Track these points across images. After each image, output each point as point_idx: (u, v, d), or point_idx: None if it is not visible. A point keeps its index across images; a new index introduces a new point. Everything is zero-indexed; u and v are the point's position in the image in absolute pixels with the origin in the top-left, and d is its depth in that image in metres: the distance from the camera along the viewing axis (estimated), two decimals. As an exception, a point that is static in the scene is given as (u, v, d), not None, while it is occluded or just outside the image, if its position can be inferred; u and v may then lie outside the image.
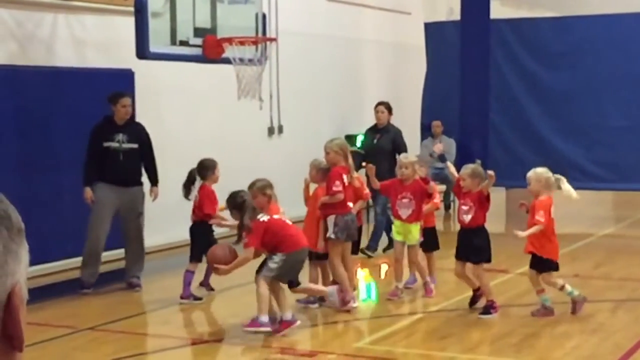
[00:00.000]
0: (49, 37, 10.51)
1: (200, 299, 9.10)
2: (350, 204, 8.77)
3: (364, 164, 9.51)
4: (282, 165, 13.25)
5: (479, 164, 8.86)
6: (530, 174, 8.36)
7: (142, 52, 9.11)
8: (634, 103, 14.45)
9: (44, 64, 10.39)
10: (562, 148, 14.79)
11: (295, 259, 7.79)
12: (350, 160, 8.85)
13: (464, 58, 14.90)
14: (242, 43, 9.76)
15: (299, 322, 7.84)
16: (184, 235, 9.81)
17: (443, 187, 14.12)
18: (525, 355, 7.22)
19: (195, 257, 8.97)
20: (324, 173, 8.78)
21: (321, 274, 8.98)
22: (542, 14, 16.93)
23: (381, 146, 11.62)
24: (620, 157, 14.43)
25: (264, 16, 10.52)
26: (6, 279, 1.21)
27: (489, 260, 8.51)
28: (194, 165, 9.29)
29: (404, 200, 9.01)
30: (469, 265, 8.48)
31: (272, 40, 10.54)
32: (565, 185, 8.38)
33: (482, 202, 8.37)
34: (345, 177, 8.66)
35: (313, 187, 9.00)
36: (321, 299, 8.72)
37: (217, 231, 9.29)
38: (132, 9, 9.19)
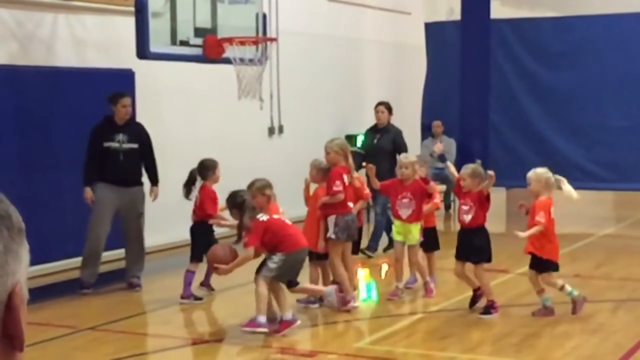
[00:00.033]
0: (50, 37, 10.52)
1: (200, 299, 9.10)
2: (351, 204, 8.77)
3: (364, 164, 9.51)
4: (283, 165, 13.25)
5: (479, 164, 8.86)
6: (530, 174, 8.35)
7: (143, 52, 9.11)
8: (634, 103, 14.45)
9: (44, 64, 10.40)
10: (562, 148, 14.79)
11: (295, 259, 7.79)
12: (351, 160, 8.85)
13: (464, 58, 14.90)
14: (242, 43, 9.77)
15: (299, 322, 7.84)
16: (184, 235, 9.81)
17: (443, 187, 14.12)
18: (525, 355, 7.22)
19: (195, 257, 8.97)
20: (324, 173, 8.78)
21: (321, 274, 8.98)
22: (542, 14, 16.94)
23: (381, 146, 11.62)
24: (621, 157, 14.43)
25: (264, 16, 10.52)
26: (7, 279, 1.21)
27: (489, 260, 8.51)
28: (195, 165, 9.29)
29: (404, 200, 9.01)
30: (469, 265, 8.48)
31: (272, 40, 10.54)
32: (566, 186, 8.38)
33: (482, 202, 8.37)
34: (345, 177, 8.66)
35: (313, 187, 9.00)
36: (322, 299, 8.71)
37: (218, 231, 9.29)
38: (132, 8, 9.19)
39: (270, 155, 13.60)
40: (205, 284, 9.44)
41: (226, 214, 8.43)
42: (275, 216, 7.88)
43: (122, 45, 10.35)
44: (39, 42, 10.43)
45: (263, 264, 7.81)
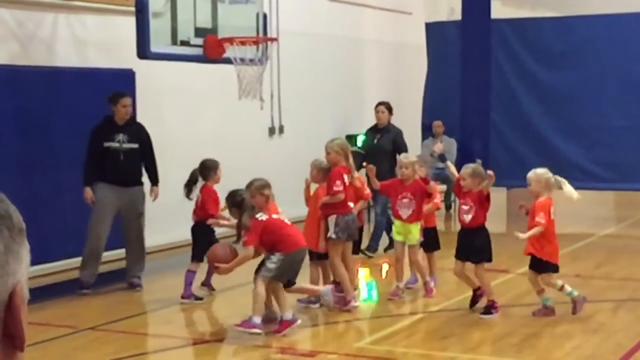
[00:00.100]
0: (50, 37, 10.52)
1: (201, 299, 9.10)
2: (351, 204, 8.77)
3: (364, 164, 9.52)
4: (283, 165, 13.25)
5: (480, 164, 8.86)
6: (531, 174, 8.35)
7: (143, 52, 9.11)
8: (634, 103, 14.45)
9: (44, 63, 10.40)
10: (563, 148, 14.79)
11: (294, 259, 7.79)
12: (351, 160, 8.85)
13: (465, 58, 14.90)
14: (243, 43, 9.77)
15: (299, 322, 7.84)
16: (185, 235, 9.82)
17: (444, 187, 14.12)
18: (526, 355, 7.22)
19: (196, 257, 8.97)
20: (324, 173, 8.78)
21: (322, 274, 8.98)
22: (543, 13, 16.93)
23: (381, 146, 11.61)
24: (621, 157, 14.43)
25: (264, 16, 10.52)
26: (7, 279, 1.21)
27: (489, 260, 8.51)
28: (195, 165, 9.30)
29: (404, 200, 9.01)
30: (469, 264, 8.48)
31: (273, 40, 10.54)
32: (567, 187, 8.37)
33: (483, 201, 8.37)
34: (346, 177, 8.67)
35: (314, 187, 9.00)
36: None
37: (219, 231, 9.29)
38: (133, 8, 9.19)
39: (271, 155, 13.60)
40: (206, 284, 9.44)
41: (227, 213, 8.44)
42: (274, 216, 7.89)
43: (123, 45, 10.34)
44: (40, 42, 10.43)
45: (262, 264, 7.81)
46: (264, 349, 7.58)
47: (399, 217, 9.10)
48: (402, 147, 11.41)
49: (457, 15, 15.44)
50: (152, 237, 10.58)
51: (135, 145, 9.52)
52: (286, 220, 7.94)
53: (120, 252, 9.83)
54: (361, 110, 15.28)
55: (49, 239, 9.75)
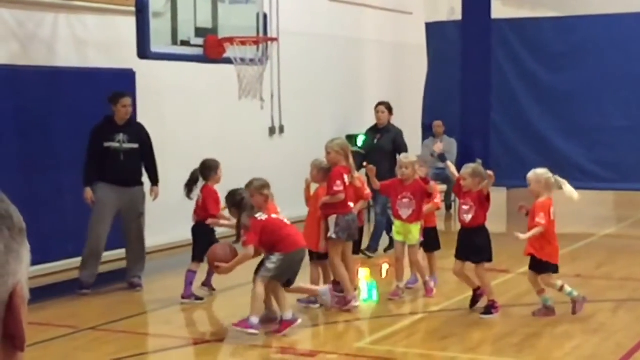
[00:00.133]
0: (50, 37, 10.52)
1: (201, 299, 9.10)
2: (351, 204, 8.77)
3: (364, 164, 9.52)
4: (283, 165, 13.26)
5: (480, 164, 8.86)
6: (530, 175, 8.35)
7: (144, 52, 9.11)
8: (634, 103, 14.45)
9: (45, 63, 10.40)
10: (563, 148, 14.79)
11: (293, 259, 7.79)
12: (351, 160, 8.85)
13: (465, 58, 14.90)
14: (243, 43, 9.77)
15: (299, 321, 7.84)
16: (185, 235, 9.82)
17: (444, 187, 14.12)
18: (526, 355, 7.22)
19: (197, 257, 8.97)
20: (325, 173, 8.78)
21: (322, 274, 8.98)
22: (543, 13, 16.93)
23: (381, 146, 11.61)
24: (621, 157, 14.43)
25: (265, 16, 10.52)
26: (8, 279, 1.21)
27: (490, 260, 8.51)
28: (195, 165, 9.30)
29: (404, 200, 9.01)
30: (469, 264, 8.48)
31: (273, 40, 10.55)
32: (567, 187, 8.37)
33: (483, 201, 8.38)
34: (346, 177, 8.67)
35: (314, 187, 9.00)
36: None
37: (219, 231, 9.29)
38: (133, 8, 9.19)
39: (271, 155, 13.60)
40: (207, 284, 9.44)
41: (228, 213, 8.44)
42: (273, 216, 7.89)
43: (123, 45, 10.35)
44: (40, 42, 10.43)
45: (261, 264, 7.81)
46: (264, 349, 7.58)
47: (399, 217, 9.10)
48: (402, 147, 11.41)
49: (458, 15, 15.44)
50: (153, 237, 10.58)
51: (136, 145, 9.52)
52: (285, 220, 7.94)
53: (121, 252, 9.83)
54: (361, 110, 15.28)
55: (49, 239, 9.75)
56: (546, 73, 15.05)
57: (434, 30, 16.14)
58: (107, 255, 9.73)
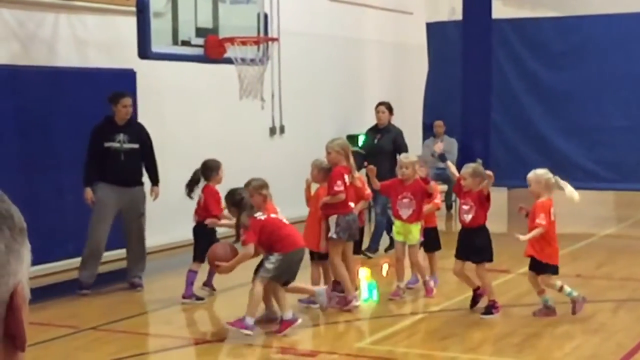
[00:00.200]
0: (51, 37, 10.52)
1: (202, 299, 9.10)
2: (352, 204, 8.77)
3: (365, 164, 9.51)
4: (284, 165, 13.26)
5: (480, 164, 8.86)
6: (530, 175, 8.35)
7: (144, 52, 9.11)
8: (635, 103, 14.45)
9: (45, 63, 10.40)
10: (563, 148, 14.79)
11: (292, 259, 7.79)
12: (352, 160, 8.84)
13: (465, 58, 14.90)
14: (243, 43, 9.77)
15: (300, 321, 7.84)
16: (186, 235, 9.82)
17: (445, 187, 14.11)
18: (526, 356, 7.22)
19: (198, 257, 8.97)
20: (325, 173, 8.78)
21: (323, 274, 8.98)
22: (543, 13, 16.92)
23: (382, 146, 11.61)
24: (622, 157, 14.44)
25: (265, 16, 10.52)
26: (8, 279, 1.21)
27: (490, 260, 8.51)
28: (196, 165, 9.30)
29: (405, 201, 9.01)
30: (469, 264, 8.48)
31: (273, 40, 10.55)
32: (568, 188, 8.36)
33: (483, 201, 8.38)
34: (346, 177, 8.67)
35: (315, 187, 9.00)
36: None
37: (220, 231, 9.29)
38: (134, 9, 9.19)
39: (272, 155, 13.60)
40: (208, 284, 9.44)
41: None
42: (272, 215, 7.90)
43: (124, 45, 10.35)
44: (41, 42, 10.43)
45: (261, 264, 7.81)
46: (264, 349, 7.58)
47: (399, 217, 9.10)
48: (402, 147, 11.40)
49: (458, 15, 15.44)
50: (153, 237, 10.59)
51: (136, 146, 9.52)
52: (284, 220, 7.94)
53: (121, 252, 9.83)
54: (362, 110, 15.28)
55: (50, 238, 9.75)
56: (547, 73, 15.06)
57: (435, 30, 16.15)
58: (107, 255, 9.74)
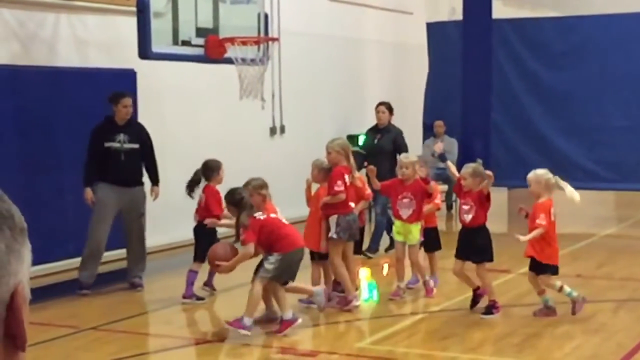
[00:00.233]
0: (51, 37, 10.52)
1: (202, 299, 9.11)
2: (352, 204, 8.77)
3: (365, 164, 9.51)
4: (284, 165, 13.26)
5: (480, 164, 8.86)
6: (530, 175, 8.35)
7: (144, 52, 9.11)
8: (635, 103, 14.45)
9: (46, 63, 10.40)
10: (563, 148, 14.79)
11: (292, 259, 7.78)
12: (352, 160, 8.85)
13: (466, 58, 14.90)
14: (244, 43, 9.77)
15: (300, 321, 7.84)
16: (186, 235, 9.82)
17: (445, 188, 14.11)
18: (527, 356, 7.22)
19: (199, 257, 8.97)
20: (325, 173, 8.78)
21: (323, 274, 8.98)
22: (544, 13, 16.93)
23: (382, 146, 11.61)
24: (622, 157, 14.44)
25: (266, 16, 10.52)
26: (9, 279, 1.21)
27: (491, 260, 8.51)
28: (196, 165, 9.30)
29: (405, 201, 9.01)
30: (469, 264, 8.48)
31: (274, 40, 10.55)
32: (568, 189, 8.36)
33: (483, 201, 8.38)
34: (347, 177, 8.67)
35: (315, 187, 9.00)
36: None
37: (221, 231, 9.29)
38: (134, 9, 9.19)
39: (272, 155, 13.60)
40: (208, 284, 9.44)
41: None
42: (272, 215, 7.90)
43: (124, 45, 10.35)
44: (41, 42, 10.44)
45: (260, 265, 7.82)
46: (264, 349, 7.58)
47: (399, 217, 9.10)
48: (402, 147, 11.40)
49: (458, 15, 15.44)
50: (153, 237, 10.59)
51: (136, 146, 9.52)
52: (284, 220, 7.94)
53: (121, 252, 9.84)
54: (362, 110, 15.28)
55: (50, 238, 9.75)
56: (547, 73, 15.06)
57: (435, 30, 16.15)
58: (107, 255, 9.74)
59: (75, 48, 10.78)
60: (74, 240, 9.93)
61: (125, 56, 10.30)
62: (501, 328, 8.08)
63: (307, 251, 8.40)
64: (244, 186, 8.06)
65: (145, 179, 9.71)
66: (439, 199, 9.64)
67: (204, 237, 8.98)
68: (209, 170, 9.19)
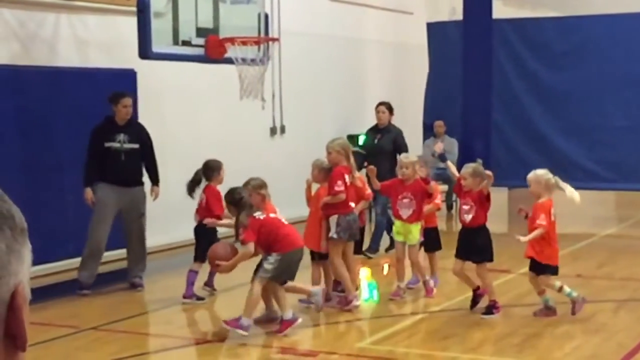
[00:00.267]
0: (52, 37, 10.52)
1: (202, 299, 9.11)
2: (352, 204, 8.77)
3: (365, 164, 9.51)
4: (284, 165, 13.26)
5: (480, 163, 8.86)
6: (530, 175, 8.35)
7: (145, 52, 9.12)
8: (635, 103, 14.45)
9: (46, 63, 10.40)
10: (564, 148, 14.79)
11: (291, 259, 7.78)
12: (352, 160, 8.85)
13: (466, 58, 14.90)
14: (244, 43, 9.77)
15: (300, 320, 7.84)
16: (186, 235, 9.82)
17: (445, 188, 14.11)
18: (527, 356, 7.22)
19: (199, 257, 8.97)
20: (326, 173, 8.78)
21: (324, 273, 8.98)
22: (544, 13, 16.93)
23: (382, 146, 11.61)
24: (622, 157, 14.43)
25: (266, 16, 10.52)
26: (9, 279, 1.21)
27: (491, 260, 8.51)
28: (196, 165, 9.30)
29: (405, 201, 9.01)
30: (468, 264, 8.47)
31: (274, 40, 10.55)
32: (569, 190, 8.35)
33: (483, 201, 8.38)
34: (347, 177, 8.67)
35: (315, 187, 9.00)
36: (324, 299, 8.72)
37: (222, 231, 9.29)
38: (134, 9, 9.20)
39: (272, 155, 13.60)
40: (209, 284, 9.44)
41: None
42: (271, 215, 7.91)
43: (124, 45, 10.35)
44: (41, 42, 10.44)
45: (259, 265, 7.82)
46: (264, 349, 7.58)
47: (399, 217, 9.10)
48: (402, 147, 11.40)
49: (459, 15, 15.44)
50: (153, 237, 10.59)
51: (136, 146, 9.52)
52: (283, 220, 7.95)
53: (122, 252, 9.84)
54: (362, 110, 15.28)
55: (50, 238, 9.75)
56: (547, 73, 15.06)
57: (435, 30, 16.15)
58: (107, 255, 9.74)
59: (75, 48, 10.79)
60: (74, 240, 9.93)
61: (126, 56, 10.30)
62: (501, 328, 8.07)
63: (307, 251, 8.40)
64: (244, 186, 8.06)
65: (145, 179, 9.71)
66: (439, 199, 9.64)
67: (204, 237, 8.98)
68: (210, 170, 9.19)
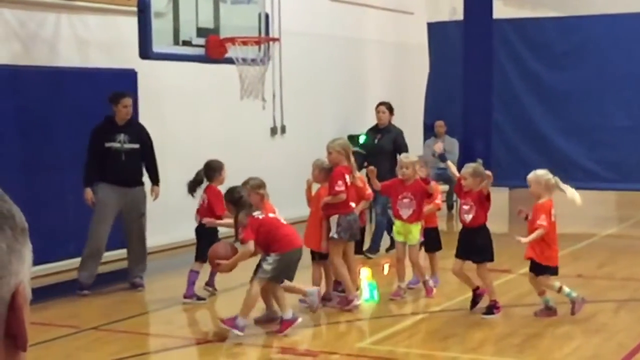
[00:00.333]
0: (52, 37, 10.52)
1: (203, 299, 9.11)
2: (353, 204, 8.77)
3: (365, 164, 9.51)
4: (285, 165, 13.26)
5: (480, 163, 8.86)
6: (531, 176, 8.35)
7: (145, 52, 9.12)
8: (636, 103, 14.45)
9: (46, 63, 10.40)
10: (564, 148, 14.79)
11: (290, 259, 7.78)
12: (353, 160, 8.85)
13: (466, 58, 14.91)
14: (244, 43, 9.77)
15: (300, 320, 7.84)
16: (187, 235, 9.82)
17: (446, 188, 14.11)
18: (527, 356, 7.22)
19: (200, 257, 8.97)
20: (326, 173, 8.78)
21: (324, 273, 8.98)
22: (545, 13, 16.94)
23: (382, 146, 11.60)
24: (623, 157, 14.43)
25: (266, 16, 10.53)
26: (10, 279, 1.21)
27: (491, 260, 8.51)
28: (197, 165, 9.30)
29: (405, 201, 9.01)
30: (468, 264, 8.47)
31: (274, 40, 10.55)
32: (569, 191, 8.35)
33: (483, 201, 8.38)
34: (347, 177, 8.67)
35: (316, 187, 9.00)
36: (324, 299, 8.72)
37: (222, 231, 9.29)
38: (135, 9, 9.20)
39: (273, 155, 13.60)
40: (210, 284, 9.44)
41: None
42: (270, 215, 7.91)
43: (125, 45, 10.35)
44: (42, 42, 10.44)
45: (259, 265, 7.82)
46: (264, 349, 7.58)
47: (399, 217, 9.10)
48: (402, 147, 11.40)
49: (459, 15, 15.45)
50: (154, 237, 10.59)
51: (136, 146, 9.52)
52: (282, 220, 7.95)
53: (122, 252, 9.84)
54: (363, 110, 15.28)
55: (50, 238, 9.75)
56: (548, 73, 15.06)
57: (436, 30, 16.15)
58: (108, 255, 9.74)
59: (76, 48, 10.79)
60: (74, 240, 9.93)
61: (126, 56, 10.30)
62: (502, 328, 8.07)
63: (307, 251, 8.40)
64: (242, 185, 8.07)
65: (146, 179, 9.71)
66: (439, 199, 9.64)
67: (205, 237, 8.98)
68: (212, 170, 9.19)
